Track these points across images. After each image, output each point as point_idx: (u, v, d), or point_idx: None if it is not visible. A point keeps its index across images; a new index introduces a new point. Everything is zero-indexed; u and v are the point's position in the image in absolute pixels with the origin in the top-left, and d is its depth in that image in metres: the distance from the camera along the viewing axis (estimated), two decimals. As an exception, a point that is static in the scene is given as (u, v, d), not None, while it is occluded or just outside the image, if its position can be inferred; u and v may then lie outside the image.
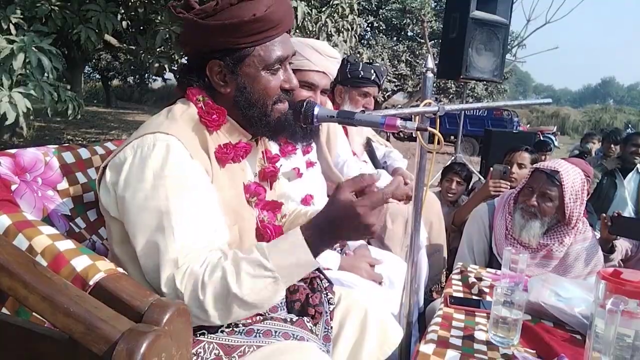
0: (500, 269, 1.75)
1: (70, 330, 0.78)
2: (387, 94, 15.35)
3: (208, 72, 1.11)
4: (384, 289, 1.84)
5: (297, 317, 1.19)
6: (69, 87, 4.39)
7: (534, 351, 1.29)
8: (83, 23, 4.53)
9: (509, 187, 2.73)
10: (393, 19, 14.75)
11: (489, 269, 1.97)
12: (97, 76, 21.62)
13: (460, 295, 1.65)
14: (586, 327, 1.23)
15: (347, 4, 6.55)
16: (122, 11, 5.29)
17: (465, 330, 1.38)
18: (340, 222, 0.99)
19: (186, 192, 1.01)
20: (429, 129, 1.23)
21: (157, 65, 5.30)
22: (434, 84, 1.58)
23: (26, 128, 8.01)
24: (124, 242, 1.06)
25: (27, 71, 3.73)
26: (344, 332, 1.34)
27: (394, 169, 2.70)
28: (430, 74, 1.55)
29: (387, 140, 4.67)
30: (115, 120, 14.58)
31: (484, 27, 4.35)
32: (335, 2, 6.51)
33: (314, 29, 6.10)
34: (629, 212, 3.74)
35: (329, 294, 1.36)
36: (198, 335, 1.06)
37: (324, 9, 6.49)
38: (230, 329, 1.09)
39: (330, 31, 6.23)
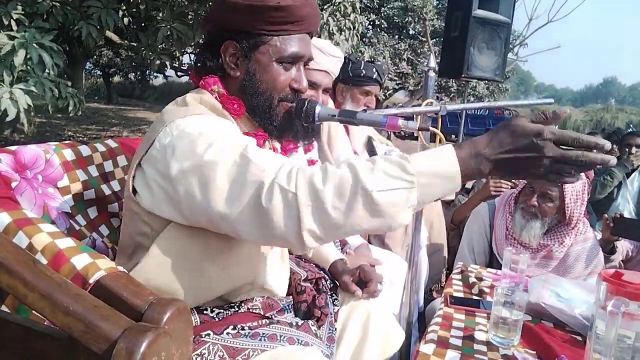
0: (500, 269, 1.75)
1: (70, 328, 0.78)
2: (389, 93, 15.34)
3: (222, 52, 1.10)
4: (384, 289, 1.84)
5: (302, 321, 1.18)
6: (69, 83, 4.38)
7: (534, 352, 1.28)
8: (84, 19, 4.53)
9: (509, 187, 2.73)
10: (395, 17, 14.72)
11: (489, 269, 1.97)
12: (99, 73, 21.58)
13: (461, 295, 1.65)
14: (586, 328, 1.23)
15: (349, 3, 6.54)
16: (124, 8, 5.28)
17: (466, 330, 1.38)
18: (513, 149, 0.83)
19: (235, 132, 1.01)
20: (431, 129, 1.23)
21: (158, 62, 5.29)
22: (436, 83, 1.58)
23: (27, 124, 8.00)
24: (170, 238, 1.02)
25: (28, 67, 3.72)
26: (347, 334, 1.35)
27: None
28: (432, 73, 1.55)
29: (388, 138, 4.66)
30: (116, 117, 14.57)
31: (486, 25, 4.32)
32: (337, 0, 6.50)
33: (316, 27, 6.08)
34: (629, 212, 3.74)
35: (333, 294, 1.36)
36: (203, 335, 1.05)
37: (325, 7, 6.48)
38: (236, 331, 1.08)
39: (332, 30, 6.22)
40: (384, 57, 13.45)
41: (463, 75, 4.34)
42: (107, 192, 1.39)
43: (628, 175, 3.87)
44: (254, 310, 1.15)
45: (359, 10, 6.94)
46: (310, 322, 1.20)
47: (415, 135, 1.32)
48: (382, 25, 15.02)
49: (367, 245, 2.05)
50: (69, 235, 1.01)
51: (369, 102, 2.48)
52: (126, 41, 6.60)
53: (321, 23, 6.11)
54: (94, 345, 0.76)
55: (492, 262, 2.21)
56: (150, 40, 5.19)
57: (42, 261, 0.90)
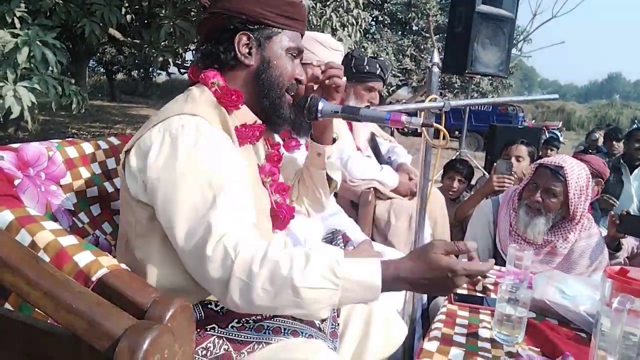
0: (504, 266, 1.74)
1: (73, 326, 0.78)
2: (392, 89, 15.32)
3: (236, 42, 1.13)
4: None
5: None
6: (73, 81, 4.39)
7: (539, 349, 1.28)
8: (87, 17, 4.53)
9: (512, 183, 2.71)
10: (398, 13, 14.68)
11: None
12: (102, 70, 21.62)
13: (465, 292, 1.64)
14: (591, 325, 1.22)
15: (352, -2, 6.52)
16: (127, 5, 5.28)
17: (469, 327, 1.37)
18: (430, 278, 0.96)
19: (223, 166, 1.01)
20: (435, 125, 1.22)
21: (161, 59, 5.29)
22: (439, 79, 1.57)
23: (31, 122, 8.01)
24: (151, 230, 1.04)
25: (32, 65, 3.73)
26: (349, 329, 1.35)
27: (398, 164, 2.69)
28: (436, 69, 1.54)
29: (391, 135, 4.66)
30: (119, 114, 14.60)
31: (490, 21, 4.32)
32: (341, -4, 6.48)
33: (319, 23, 6.07)
34: (633, 209, 3.72)
35: None
36: (208, 329, 1.06)
37: (328, 3, 6.45)
38: (241, 324, 1.09)
39: (335, 25, 6.20)
40: (387, 54, 13.42)
41: (467, 71, 4.35)
42: (110, 189, 1.39)
43: (631, 171, 3.86)
44: None
45: (362, 6, 6.91)
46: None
47: (418, 131, 1.31)
48: (386, 22, 14.98)
49: (369, 242, 2.05)
50: (71, 232, 1.01)
51: (372, 98, 2.47)
52: (129, 38, 6.60)
53: (324, 19, 6.10)
54: (97, 342, 0.76)
55: (496, 258, 2.19)
56: (153, 37, 5.19)
57: (44, 259, 0.90)
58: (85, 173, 1.33)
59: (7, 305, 0.96)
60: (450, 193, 3.17)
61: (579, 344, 1.32)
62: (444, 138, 1.23)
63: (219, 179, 0.99)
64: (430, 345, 1.24)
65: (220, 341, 1.05)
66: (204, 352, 1.03)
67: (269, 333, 1.09)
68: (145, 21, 6.14)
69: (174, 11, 4.95)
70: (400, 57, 14.32)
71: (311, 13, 5.68)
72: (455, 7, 4.56)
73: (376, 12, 14.72)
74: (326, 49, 1.79)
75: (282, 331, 1.10)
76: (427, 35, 13.18)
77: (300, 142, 1.84)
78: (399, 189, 2.50)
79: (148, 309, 0.83)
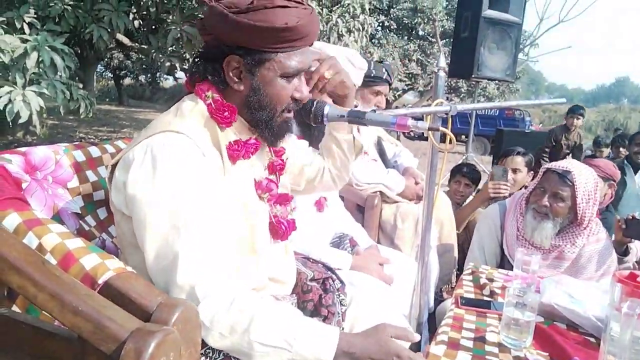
0: (511, 271, 1.73)
1: (79, 328, 0.78)
2: (398, 94, 15.30)
3: (225, 66, 1.09)
4: (393, 289, 1.83)
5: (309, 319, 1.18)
6: (81, 85, 4.44)
7: (547, 354, 1.27)
8: (95, 22, 4.57)
9: (508, 189, 2.71)
10: (404, 18, 14.68)
11: (500, 270, 1.95)
12: (110, 75, 21.81)
13: (472, 296, 1.63)
14: (600, 329, 1.21)
15: (359, 4, 6.53)
16: (134, 10, 5.32)
17: (477, 331, 1.36)
18: (376, 359, 1.00)
19: (199, 193, 1.00)
20: (441, 128, 1.22)
21: (168, 64, 5.33)
22: (445, 84, 1.57)
23: (39, 126, 8.07)
24: (136, 242, 1.05)
25: (41, 70, 3.76)
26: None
27: (404, 168, 2.69)
28: (442, 73, 1.53)
29: (398, 139, 4.65)
30: (127, 119, 14.70)
31: (496, 26, 4.31)
32: (347, 1, 6.49)
33: (325, 29, 6.08)
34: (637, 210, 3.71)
35: (341, 294, 1.35)
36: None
37: (334, 9, 6.47)
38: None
39: (341, 31, 6.22)
40: (393, 58, 13.42)
41: (473, 76, 4.34)
42: (117, 192, 1.39)
43: (635, 171, 3.85)
44: None
45: (368, 11, 6.93)
46: (316, 319, 1.20)
47: (425, 135, 1.30)
48: (392, 27, 14.99)
49: (376, 246, 2.04)
50: (78, 235, 1.02)
51: (379, 102, 2.47)
52: (137, 44, 6.65)
53: (330, 25, 6.11)
54: (103, 345, 0.76)
55: (504, 263, 2.19)
56: (160, 42, 5.22)
57: (51, 262, 0.91)
58: (92, 176, 1.34)
59: (15, 308, 0.97)
60: (457, 197, 3.16)
61: (587, 348, 1.30)
62: (450, 142, 1.23)
63: (193, 206, 0.99)
64: (437, 349, 1.23)
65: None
66: (203, 358, 1.03)
67: None
68: (153, 27, 6.17)
69: (181, 17, 4.98)
70: (406, 61, 14.31)
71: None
72: (462, 12, 4.55)
73: (382, 18, 14.74)
74: (355, 69, 1.79)
75: None
76: (433, 40, 13.17)
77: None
78: (405, 193, 2.50)
79: (154, 311, 0.83)
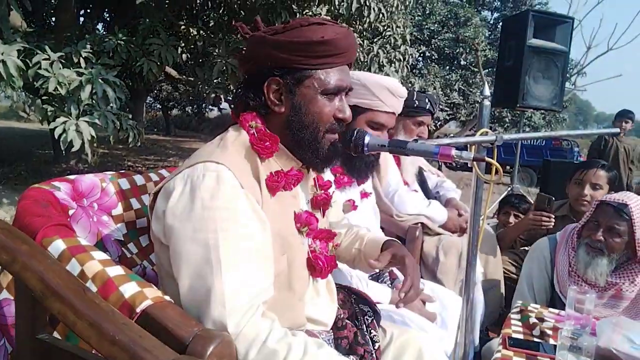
0: (563, 309, 1.62)
1: (115, 358, 0.77)
2: (439, 123, 15.18)
3: (265, 89, 1.09)
4: (437, 326, 1.75)
5: (344, 357, 1.14)
6: (130, 116, 4.62)
7: (606, 404, 1.17)
8: (146, 56, 4.80)
9: (551, 220, 2.47)
10: (446, 48, 14.69)
11: (551, 309, 1.83)
12: (158, 106, 22.69)
13: (520, 336, 1.54)
14: (667, 380, 1.10)
15: (400, 35, 6.59)
16: (182, 45, 5.56)
17: (527, 375, 1.28)
18: None
19: (236, 227, 0.99)
20: (487, 159, 1.17)
21: (213, 95, 5.53)
22: (490, 113, 1.53)
23: (91, 154, 8.47)
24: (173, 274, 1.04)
25: (93, 101, 3.96)
26: None
27: (447, 199, 2.62)
28: (487, 102, 1.49)
29: (439, 169, 4.56)
30: (173, 148, 15.17)
31: (542, 54, 4.22)
32: (388, 33, 6.56)
33: (366, 60, 6.15)
34: None
35: (372, 331, 1.30)
36: None
37: (376, 40, 6.55)
38: None
39: (382, 62, 6.27)
40: (435, 88, 13.38)
41: (518, 105, 4.25)
42: (159, 220, 1.41)
43: None
44: None
45: (409, 42, 6.97)
46: (352, 357, 1.16)
47: (469, 165, 1.26)
48: (433, 57, 15.00)
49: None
50: (120, 262, 1.03)
51: (421, 132, 2.44)
52: (184, 76, 6.92)
53: (371, 55, 6.17)
54: (138, 376, 0.75)
55: (554, 301, 2.07)
56: (206, 75, 5.42)
57: (92, 288, 0.91)
58: (135, 204, 1.37)
59: (56, 334, 0.98)
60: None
61: (652, 400, 1.19)
62: (496, 173, 1.18)
63: (227, 241, 0.97)
64: (484, 394, 1.16)
65: None
66: None
67: None
68: (200, 60, 6.42)
69: (226, 50, 5.16)
70: (448, 91, 14.23)
71: (358, 50, 5.77)
72: (505, 41, 4.50)
73: (423, 48, 14.78)
74: (394, 98, 1.79)
75: None
76: (476, 69, 13.06)
77: (352, 179, 1.82)
78: (448, 225, 2.43)
79: (189, 343, 0.82)
